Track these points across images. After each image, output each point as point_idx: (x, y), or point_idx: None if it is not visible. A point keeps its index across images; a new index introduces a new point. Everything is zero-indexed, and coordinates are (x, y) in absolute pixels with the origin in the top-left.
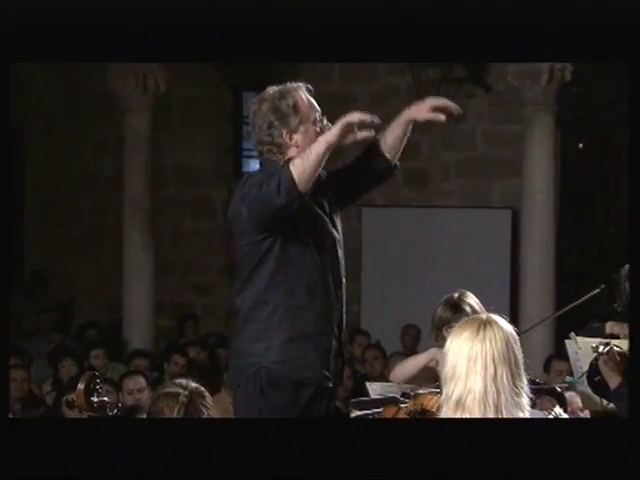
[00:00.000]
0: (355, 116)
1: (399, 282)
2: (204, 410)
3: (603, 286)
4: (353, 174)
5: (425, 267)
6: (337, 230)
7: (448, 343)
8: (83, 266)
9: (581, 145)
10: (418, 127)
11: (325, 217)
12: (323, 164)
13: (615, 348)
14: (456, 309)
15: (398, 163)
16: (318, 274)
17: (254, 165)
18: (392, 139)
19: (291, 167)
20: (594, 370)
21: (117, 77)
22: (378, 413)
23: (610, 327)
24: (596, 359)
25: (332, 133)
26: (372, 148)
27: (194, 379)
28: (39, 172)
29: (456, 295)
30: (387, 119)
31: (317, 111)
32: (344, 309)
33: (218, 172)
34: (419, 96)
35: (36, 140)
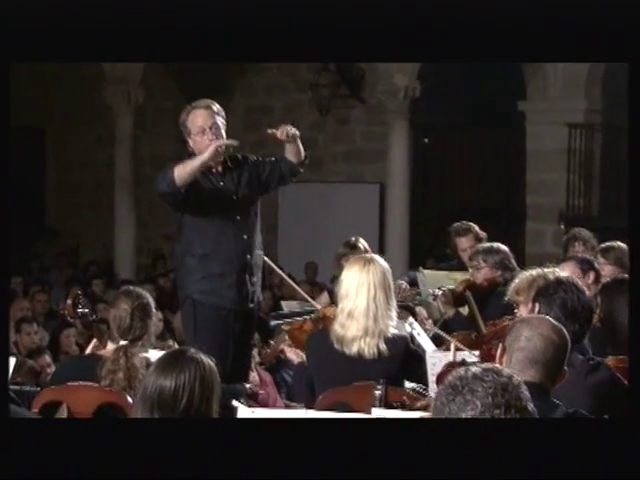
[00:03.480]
0: (220, 142)
1: (303, 233)
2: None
3: None
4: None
5: (320, 222)
6: (244, 204)
7: (344, 273)
8: (87, 222)
9: (426, 140)
10: (316, 127)
11: (232, 195)
12: (198, 171)
13: (446, 288)
14: (352, 247)
15: (304, 161)
16: (220, 233)
17: None
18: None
19: (175, 169)
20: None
21: (110, 92)
22: (290, 322)
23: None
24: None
25: (205, 155)
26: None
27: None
28: (56, 158)
29: (353, 239)
30: (296, 124)
31: (207, 126)
32: (248, 256)
33: (179, 158)
34: (317, 107)
35: (54, 136)
